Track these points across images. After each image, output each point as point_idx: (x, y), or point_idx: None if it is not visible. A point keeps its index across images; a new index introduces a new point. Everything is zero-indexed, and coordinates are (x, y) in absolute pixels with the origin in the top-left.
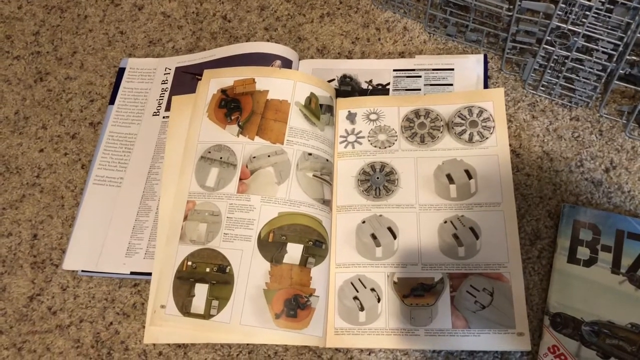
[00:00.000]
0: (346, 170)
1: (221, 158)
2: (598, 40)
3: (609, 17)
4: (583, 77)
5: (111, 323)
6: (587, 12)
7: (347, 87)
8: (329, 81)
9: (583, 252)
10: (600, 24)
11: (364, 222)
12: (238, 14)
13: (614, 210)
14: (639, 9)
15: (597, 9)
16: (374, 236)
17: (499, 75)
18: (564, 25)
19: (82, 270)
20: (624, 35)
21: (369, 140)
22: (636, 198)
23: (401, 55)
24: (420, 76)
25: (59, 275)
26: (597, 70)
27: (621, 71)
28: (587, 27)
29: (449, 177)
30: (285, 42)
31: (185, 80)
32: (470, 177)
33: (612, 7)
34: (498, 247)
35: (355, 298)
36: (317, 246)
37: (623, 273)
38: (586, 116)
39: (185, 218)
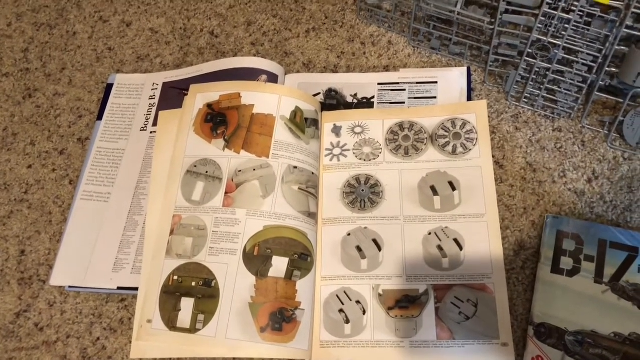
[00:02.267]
0: (331, 182)
1: (207, 172)
2: (578, 53)
3: (588, 29)
4: (564, 89)
5: (98, 338)
6: (567, 25)
7: (333, 101)
8: (315, 95)
9: (566, 262)
10: (580, 37)
11: (349, 234)
12: (225, 29)
13: (597, 220)
14: (616, 22)
15: (575, 22)
16: (359, 248)
17: (482, 87)
18: (544, 38)
19: (70, 286)
20: (602, 48)
21: (354, 153)
22: (618, 208)
23: (386, 69)
24: (404, 89)
25: (46, 291)
26: (578, 81)
27: (601, 83)
28: (567, 39)
29: (433, 188)
30: (272, 57)
31: (173, 96)
32: (454, 188)
33: (590, 20)
34: (482, 258)
35: (341, 311)
36: (302, 259)
37: (606, 282)
38: (569, 127)
39: (172, 232)
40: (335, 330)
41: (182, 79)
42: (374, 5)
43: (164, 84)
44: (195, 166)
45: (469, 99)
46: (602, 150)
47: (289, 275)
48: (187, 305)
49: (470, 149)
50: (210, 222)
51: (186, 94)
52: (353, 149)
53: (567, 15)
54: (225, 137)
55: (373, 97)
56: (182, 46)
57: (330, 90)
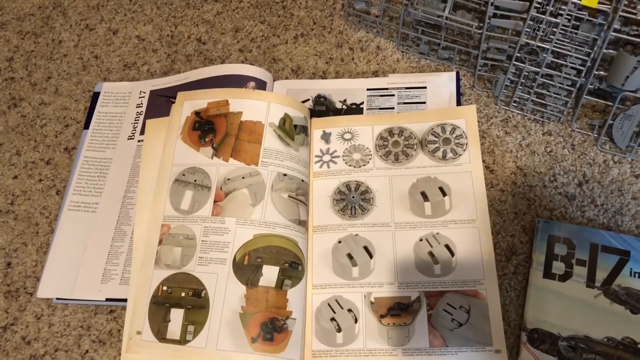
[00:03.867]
0: (322, 190)
1: (195, 181)
2: (566, 56)
3: (576, 33)
4: (554, 93)
5: (87, 351)
6: (555, 29)
7: (322, 107)
8: (304, 101)
9: (558, 267)
10: (568, 40)
11: (340, 242)
12: (213, 36)
13: (588, 224)
14: (604, 25)
15: (564, 25)
16: (350, 256)
17: (471, 92)
18: (533, 42)
19: (57, 298)
20: (591, 51)
21: (343, 160)
22: (609, 211)
23: (375, 74)
24: (393, 95)
25: (33, 303)
26: (567, 85)
27: (590, 86)
28: (555, 43)
29: (424, 194)
30: (260, 63)
31: (160, 104)
32: (444, 194)
33: (578, 23)
34: (474, 264)
35: (333, 319)
36: (293, 268)
37: (598, 287)
38: (558, 131)
39: (160, 242)
40: (327, 339)
41: (169, 86)
42: (362, 10)
43: (151, 91)
44: (184, 175)
45: (458, 103)
46: (592, 154)
47: (279, 285)
48: (176, 316)
49: (460, 154)
50: (199, 231)
51: (174, 102)
52: (343, 156)
53: (555, 19)
54: (214, 145)
55: (362, 102)
56: (169, 53)
57: (319, 97)
